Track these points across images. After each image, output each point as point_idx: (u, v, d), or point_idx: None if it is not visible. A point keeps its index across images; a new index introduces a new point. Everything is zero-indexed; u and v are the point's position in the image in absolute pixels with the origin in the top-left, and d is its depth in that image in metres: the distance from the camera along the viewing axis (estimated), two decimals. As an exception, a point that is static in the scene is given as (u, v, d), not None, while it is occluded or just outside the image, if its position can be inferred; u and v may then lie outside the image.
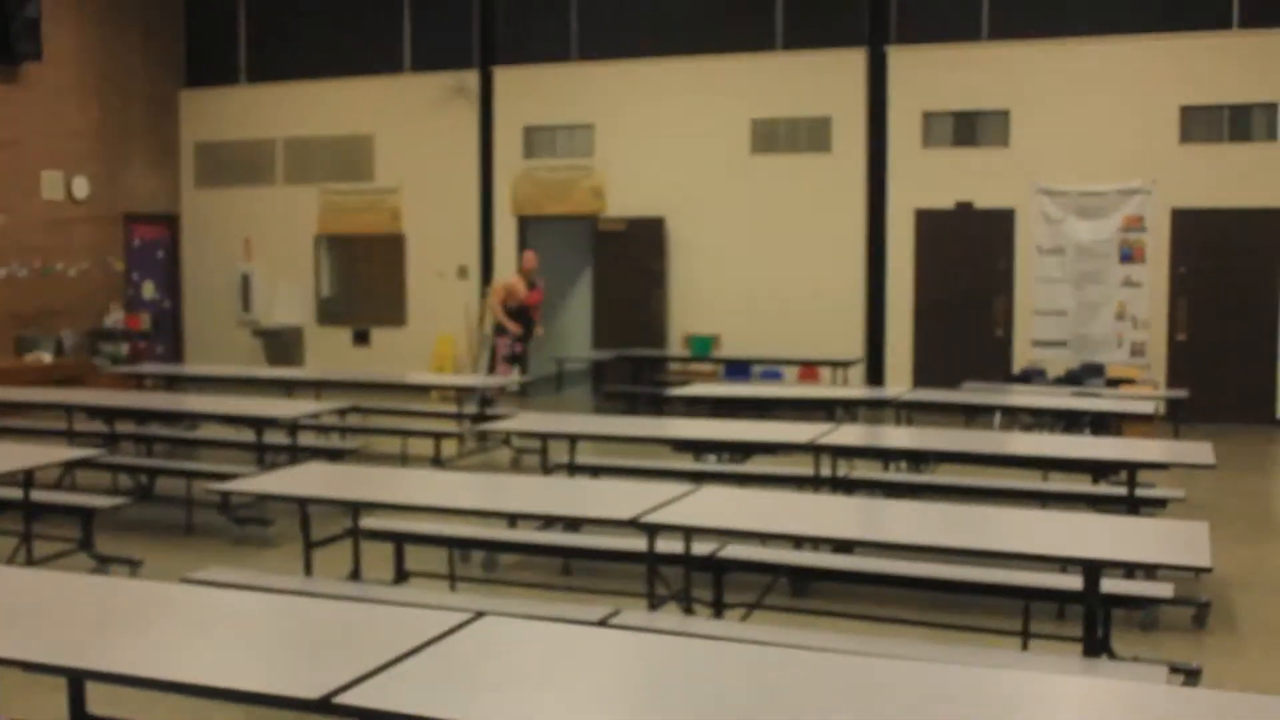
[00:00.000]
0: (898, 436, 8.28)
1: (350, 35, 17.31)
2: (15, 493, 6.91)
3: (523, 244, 16.53)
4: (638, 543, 5.56)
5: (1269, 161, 13.46)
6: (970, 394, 10.82)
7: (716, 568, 5.78)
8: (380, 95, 17.09)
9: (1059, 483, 8.41)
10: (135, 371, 12.99)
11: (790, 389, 13.35)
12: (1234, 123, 13.69)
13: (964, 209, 14.56)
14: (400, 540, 6.36)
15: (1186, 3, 13.84)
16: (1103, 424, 9.42)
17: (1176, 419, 11.80)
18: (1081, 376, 13.27)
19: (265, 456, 8.79)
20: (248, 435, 9.08)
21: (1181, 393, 12.01)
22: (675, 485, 5.58)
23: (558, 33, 16.36)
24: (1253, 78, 13.49)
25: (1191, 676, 5.06)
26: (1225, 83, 13.59)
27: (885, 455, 8.70)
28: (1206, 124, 13.75)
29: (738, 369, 14.80)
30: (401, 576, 6.30)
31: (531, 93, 16.32)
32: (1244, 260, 13.62)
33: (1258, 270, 13.58)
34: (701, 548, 5.71)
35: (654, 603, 5.22)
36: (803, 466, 8.00)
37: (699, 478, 8.16)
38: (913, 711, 2.76)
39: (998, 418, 11.28)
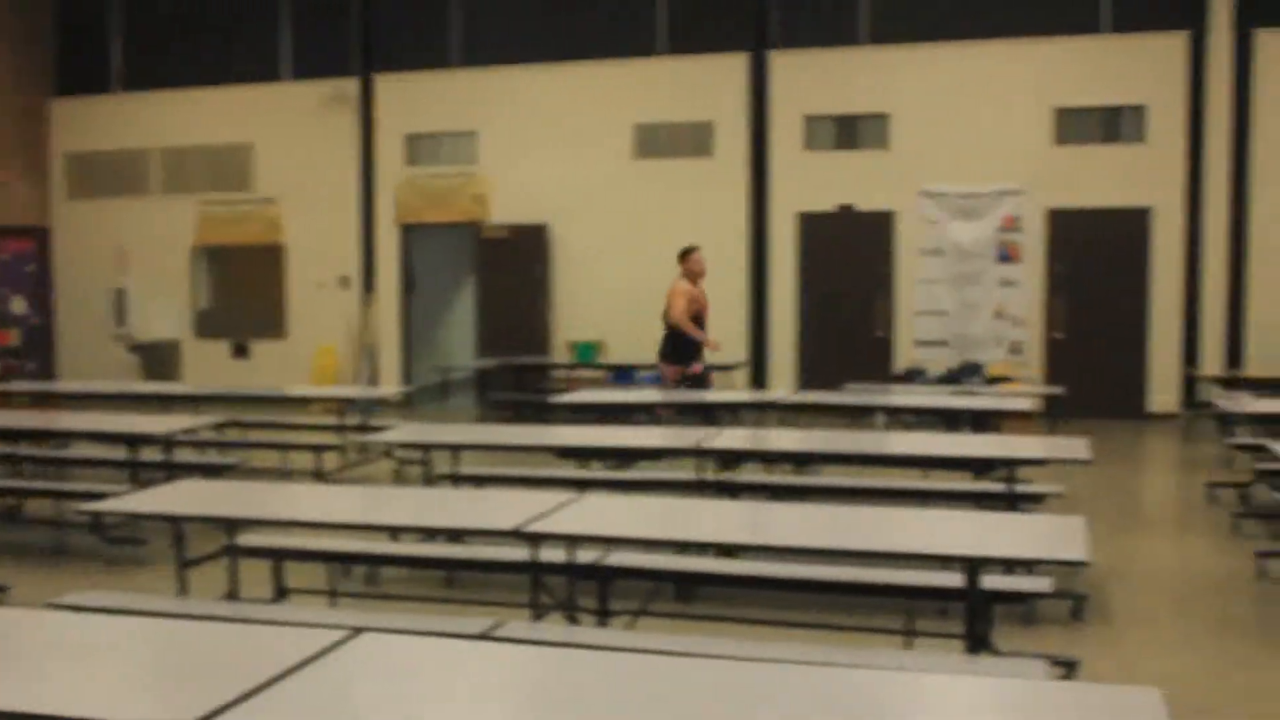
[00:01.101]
0: (781, 439, 8.31)
1: (228, 43, 17.01)
2: (-127, 518, 6.66)
3: (406, 252, 16.38)
4: (521, 553, 5.50)
5: (1139, 162, 13.82)
6: (853, 395, 10.90)
7: (601, 576, 5.74)
8: (259, 104, 16.80)
9: (941, 481, 8.51)
10: (4, 389, 12.61)
11: (674, 393, 13.33)
12: (1105, 124, 14.02)
13: (846, 211, 14.71)
14: (279, 556, 6.21)
15: (1059, 7, 14.14)
16: (982, 422, 9.54)
17: (1054, 415, 12.02)
18: (961, 376, 13.49)
19: (140, 474, 8.56)
20: (122, 453, 8.85)
21: (1058, 389, 12.23)
22: (560, 493, 5.52)
23: (439, 40, 16.22)
24: (1123, 80, 13.84)
25: (1070, 669, 5.15)
26: (1097, 85, 13.92)
27: (769, 458, 8.74)
28: (1079, 126, 14.07)
29: (622, 374, 14.78)
30: (280, 594, 6.17)
31: (413, 100, 16.17)
32: (1116, 258, 13.97)
33: (1129, 268, 13.93)
34: (586, 555, 5.67)
35: (538, 613, 5.17)
36: (687, 471, 8.00)
37: (583, 484, 8.10)
38: (797, 715, 2.75)
39: (881, 418, 11.39)
